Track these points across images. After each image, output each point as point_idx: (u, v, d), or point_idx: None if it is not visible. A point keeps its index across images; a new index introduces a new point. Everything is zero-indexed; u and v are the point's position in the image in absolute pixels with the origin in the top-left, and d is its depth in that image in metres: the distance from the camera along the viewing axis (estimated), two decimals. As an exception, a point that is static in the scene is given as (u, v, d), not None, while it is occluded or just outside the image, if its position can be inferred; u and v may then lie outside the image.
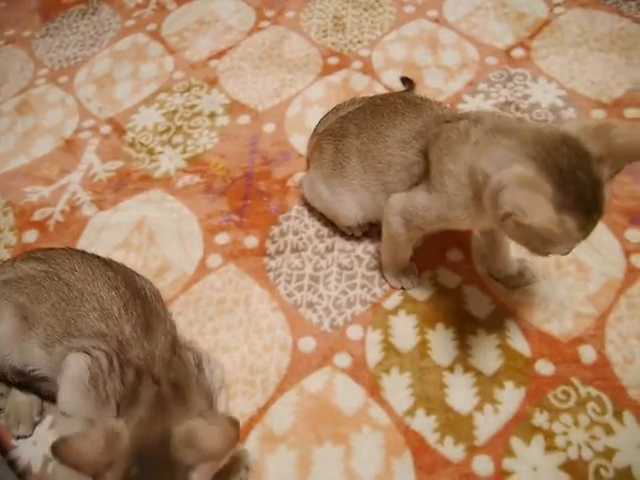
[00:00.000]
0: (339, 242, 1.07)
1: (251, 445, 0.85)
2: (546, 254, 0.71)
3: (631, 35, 1.33)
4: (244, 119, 1.31)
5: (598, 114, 1.19)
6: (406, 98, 0.93)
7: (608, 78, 1.25)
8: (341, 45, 1.45)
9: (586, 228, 0.66)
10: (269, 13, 1.57)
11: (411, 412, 0.86)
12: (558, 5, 1.44)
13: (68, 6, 1.72)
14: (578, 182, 0.65)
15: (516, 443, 0.81)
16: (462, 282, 0.99)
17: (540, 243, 0.68)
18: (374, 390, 0.89)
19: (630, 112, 1.18)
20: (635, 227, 1.01)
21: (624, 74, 1.26)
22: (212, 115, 1.33)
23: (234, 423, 0.64)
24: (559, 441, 0.81)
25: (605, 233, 1.01)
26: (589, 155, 0.67)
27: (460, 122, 0.79)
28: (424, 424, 0.85)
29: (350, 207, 0.99)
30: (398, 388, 0.88)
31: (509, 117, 0.92)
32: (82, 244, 1.13)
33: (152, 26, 1.60)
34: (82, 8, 1.71)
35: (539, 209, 0.62)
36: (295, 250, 1.07)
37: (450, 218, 0.80)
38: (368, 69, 1.38)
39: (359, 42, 1.45)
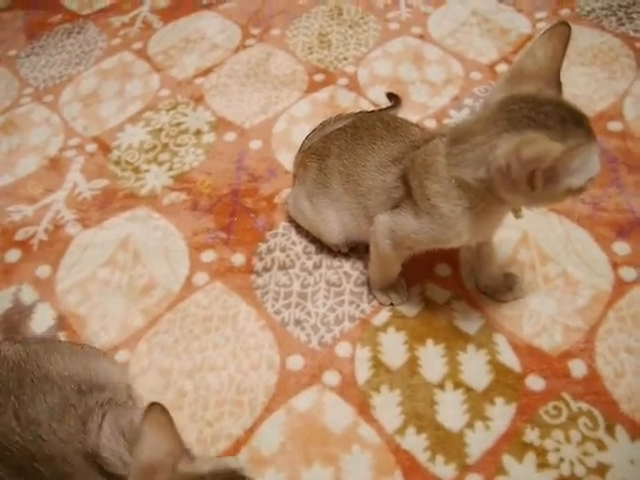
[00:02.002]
0: (327, 258, 1.07)
1: (238, 468, 0.83)
2: (588, 183, 0.69)
3: (612, 49, 1.34)
4: (230, 136, 1.31)
5: (582, 128, 1.20)
6: (384, 120, 0.93)
7: (591, 92, 1.27)
8: (327, 62, 1.46)
9: (589, 133, 0.68)
10: (255, 31, 1.58)
11: (401, 431, 0.84)
12: (540, 20, 1.46)
13: (54, 25, 1.72)
14: (549, 113, 0.67)
15: (508, 461, 0.80)
16: (451, 297, 0.98)
17: (576, 175, 0.67)
18: (364, 408, 0.87)
19: (613, 125, 1.19)
20: (622, 240, 1.01)
21: (606, 88, 1.27)
22: (198, 132, 1.33)
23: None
24: (551, 458, 0.80)
25: (592, 246, 1.01)
26: (530, 94, 0.69)
27: (429, 143, 0.80)
28: (415, 443, 0.83)
29: (333, 227, 0.99)
30: (388, 406, 0.87)
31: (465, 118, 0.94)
32: (66, 263, 1.11)
33: (138, 44, 1.59)
34: (68, 27, 1.70)
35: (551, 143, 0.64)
36: (282, 267, 1.06)
37: (449, 237, 0.80)
38: (354, 85, 1.38)
39: (345, 59, 1.46)
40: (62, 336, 1.01)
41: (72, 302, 1.05)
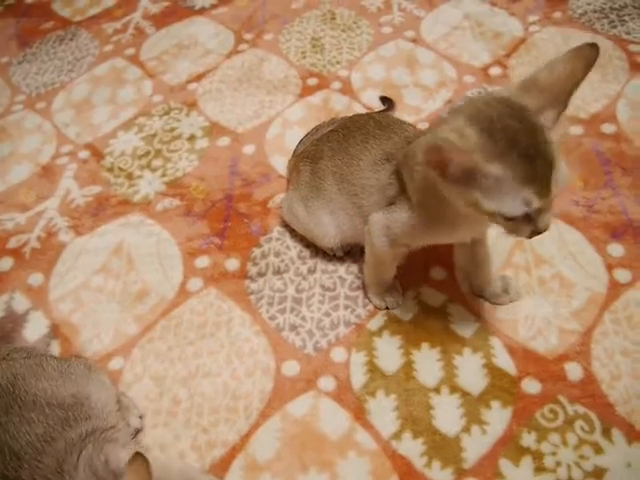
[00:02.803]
0: (321, 263, 1.06)
1: (234, 476, 0.82)
2: (500, 218, 0.66)
3: (605, 51, 1.34)
4: (224, 141, 1.31)
5: (576, 130, 1.20)
6: (377, 119, 0.93)
7: (584, 94, 1.27)
8: (320, 66, 1.46)
9: (534, 178, 0.63)
10: (248, 36, 1.58)
11: (397, 436, 0.84)
12: (533, 24, 1.46)
13: (46, 32, 1.72)
14: (508, 129, 0.63)
15: (505, 465, 0.80)
16: (446, 300, 0.98)
17: (488, 195, 0.64)
18: (359, 414, 0.87)
19: (607, 127, 1.20)
20: (616, 241, 1.01)
21: (599, 90, 1.27)
22: (191, 138, 1.33)
23: None
24: (548, 462, 0.79)
25: (587, 248, 1.01)
26: (522, 106, 0.65)
27: (422, 137, 0.79)
28: (411, 448, 0.83)
29: (328, 230, 0.98)
30: (384, 411, 0.87)
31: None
32: (59, 270, 1.10)
33: (131, 50, 1.59)
34: (60, 34, 1.70)
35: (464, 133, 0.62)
36: (277, 272, 1.06)
37: (441, 231, 0.80)
38: (347, 89, 1.38)
39: (338, 63, 1.46)
40: (55, 344, 1.00)
41: (65, 310, 1.05)
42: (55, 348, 1.00)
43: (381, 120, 0.92)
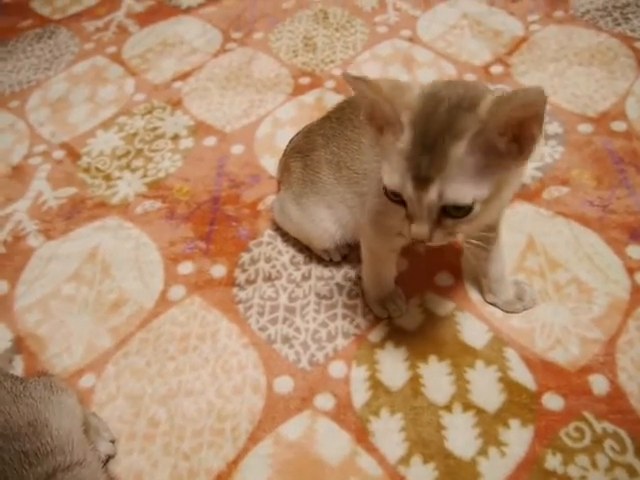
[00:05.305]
0: (316, 269, 0.97)
1: (219, 508, 0.72)
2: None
3: (610, 49, 1.29)
4: (210, 141, 1.22)
5: (585, 128, 1.13)
6: None
7: (591, 92, 1.21)
8: (312, 65, 1.38)
9: (417, 163, 0.56)
10: (236, 35, 1.51)
11: (405, 460, 0.74)
12: (534, 22, 1.41)
13: (23, 30, 1.63)
14: (435, 115, 0.56)
15: (528, 492, 0.70)
16: (454, 309, 0.89)
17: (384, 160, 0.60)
18: (362, 436, 0.77)
19: (617, 125, 1.13)
20: (636, 243, 0.94)
21: (607, 88, 1.21)
22: (175, 137, 1.24)
23: None
24: (577, 488, 0.70)
25: (605, 250, 0.93)
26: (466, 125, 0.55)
27: None
28: (421, 474, 0.73)
29: (327, 226, 0.89)
30: (389, 432, 0.77)
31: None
32: (26, 278, 1.00)
33: (112, 49, 1.51)
34: (38, 32, 1.62)
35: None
36: (268, 279, 0.96)
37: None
38: (342, 88, 1.31)
39: (331, 62, 1.39)
40: (19, 360, 0.89)
41: (31, 321, 0.94)
42: (19, 364, 0.89)
43: None
